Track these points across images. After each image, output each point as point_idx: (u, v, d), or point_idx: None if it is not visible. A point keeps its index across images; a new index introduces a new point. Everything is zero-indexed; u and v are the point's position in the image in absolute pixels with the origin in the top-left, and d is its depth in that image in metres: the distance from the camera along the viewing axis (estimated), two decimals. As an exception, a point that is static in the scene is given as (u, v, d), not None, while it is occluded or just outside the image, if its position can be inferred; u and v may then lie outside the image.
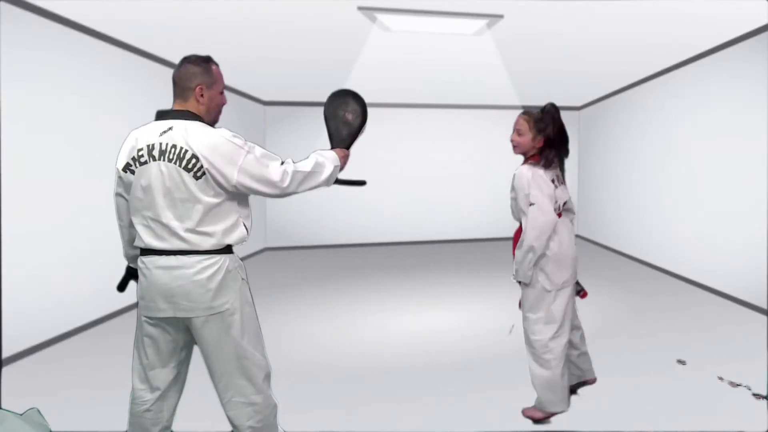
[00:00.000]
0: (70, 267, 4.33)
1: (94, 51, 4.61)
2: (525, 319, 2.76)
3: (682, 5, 4.11)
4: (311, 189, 2.10)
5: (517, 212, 2.73)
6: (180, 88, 2.00)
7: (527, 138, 2.70)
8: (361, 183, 2.41)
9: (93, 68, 4.61)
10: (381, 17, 4.42)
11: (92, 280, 4.50)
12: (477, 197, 9.25)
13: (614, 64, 6.23)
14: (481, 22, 4.53)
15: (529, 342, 2.76)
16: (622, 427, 2.80)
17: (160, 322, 1.99)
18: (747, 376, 3.38)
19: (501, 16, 4.39)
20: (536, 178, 2.64)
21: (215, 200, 1.91)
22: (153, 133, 1.92)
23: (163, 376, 2.06)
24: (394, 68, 6.34)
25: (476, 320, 4.75)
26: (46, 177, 4.08)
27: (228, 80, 6.69)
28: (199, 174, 1.88)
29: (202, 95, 1.99)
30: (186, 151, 1.87)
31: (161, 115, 1.98)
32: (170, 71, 6.71)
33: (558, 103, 9.80)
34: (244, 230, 2.01)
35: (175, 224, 1.89)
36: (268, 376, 2.10)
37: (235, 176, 1.90)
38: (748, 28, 4.78)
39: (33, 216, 3.93)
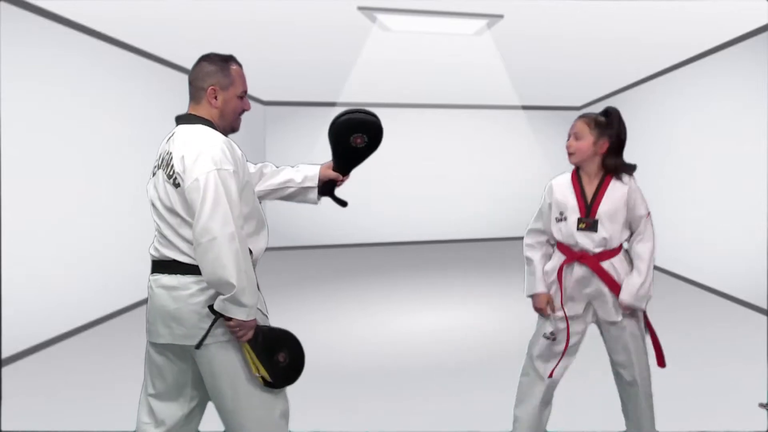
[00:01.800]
0: (70, 267, 4.32)
1: (94, 51, 4.61)
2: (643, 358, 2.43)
3: (682, 5, 4.10)
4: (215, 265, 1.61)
5: (624, 225, 2.31)
6: (194, 89, 1.82)
7: (587, 142, 2.26)
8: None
9: (93, 68, 4.60)
10: (381, 17, 4.42)
11: (92, 280, 4.50)
12: (477, 197, 9.26)
13: (614, 64, 6.22)
14: (481, 22, 4.52)
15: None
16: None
17: (163, 349, 1.80)
18: (747, 376, 3.38)
19: (501, 16, 4.39)
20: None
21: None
22: (164, 140, 1.81)
23: (171, 411, 1.83)
24: (394, 68, 6.34)
25: (476, 320, 4.76)
26: (46, 177, 4.08)
27: (228, 80, 6.68)
28: (177, 182, 1.68)
29: (215, 97, 1.80)
30: (172, 156, 1.70)
31: (177, 120, 1.84)
32: (171, 71, 6.75)
33: (558, 103, 9.76)
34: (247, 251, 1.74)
35: (169, 233, 1.73)
36: (285, 414, 1.84)
37: (187, 185, 1.64)
38: (748, 28, 4.78)
39: (33, 216, 3.93)
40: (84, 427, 2.82)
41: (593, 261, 2.28)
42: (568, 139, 2.33)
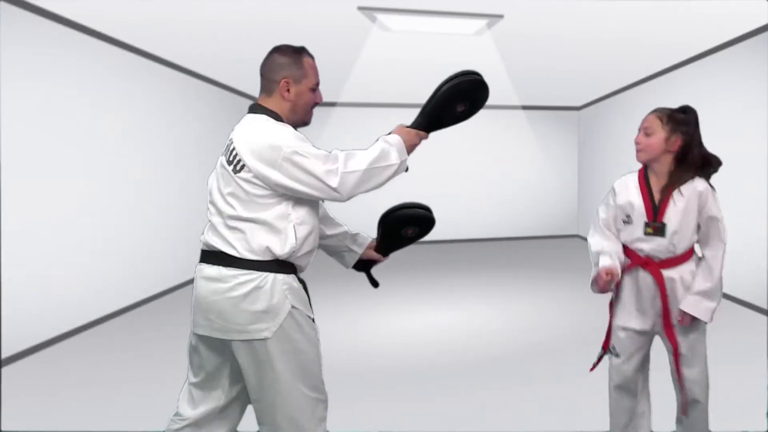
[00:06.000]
0: (70, 267, 4.32)
1: (94, 51, 4.61)
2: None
3: (682, 5, 4.10)
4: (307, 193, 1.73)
5: (694, 230, 2.11)
6: (266, 81, 1.79)
7: (658, 138, 2.07)
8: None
9: (93, 68, 4.60)
10: (381, 17, 4.42)
11: (92, 280, 4.50)
12: (476, 197, 9.26)
13: (614, 64, 6.23)
14: (481, 22, 4.53)
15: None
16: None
17: (204, 339, 1.78)
18: (747, 376, 3.38)
19: (501, 16, 4.39)
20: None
21: (256, 200, 1.69)
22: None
23: (209, 399, 1.83)
24: (394, 68, 6.34)
25: (477, 320, 4.76)
26: (46, 177, 4.08)
27: (228, 80, 6.70)
28: (238, 167, 1.69)
29: (288, 90, 1.76)
30: (233, 140, 1.73)
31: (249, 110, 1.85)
32: (171, 71, 6.69)
33: (558, 103, 9.75)
34: (293, 238, 1.71)
35: (217, 221, 1.73)
36: (322, 420, 1.83)
37: (281, 157, 1.66)
38: (748, 28, 4.78)
39: (33, 216, 3.93)
40: (84, 427, 2.82)
41: (655, 268, 2.09)
42: (638, 134, 2.12)
